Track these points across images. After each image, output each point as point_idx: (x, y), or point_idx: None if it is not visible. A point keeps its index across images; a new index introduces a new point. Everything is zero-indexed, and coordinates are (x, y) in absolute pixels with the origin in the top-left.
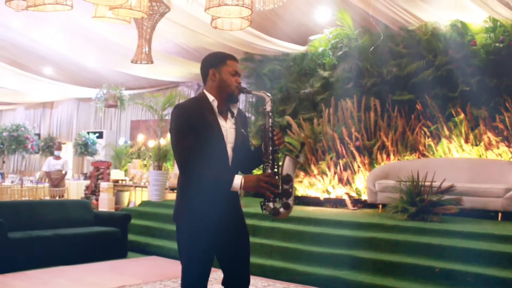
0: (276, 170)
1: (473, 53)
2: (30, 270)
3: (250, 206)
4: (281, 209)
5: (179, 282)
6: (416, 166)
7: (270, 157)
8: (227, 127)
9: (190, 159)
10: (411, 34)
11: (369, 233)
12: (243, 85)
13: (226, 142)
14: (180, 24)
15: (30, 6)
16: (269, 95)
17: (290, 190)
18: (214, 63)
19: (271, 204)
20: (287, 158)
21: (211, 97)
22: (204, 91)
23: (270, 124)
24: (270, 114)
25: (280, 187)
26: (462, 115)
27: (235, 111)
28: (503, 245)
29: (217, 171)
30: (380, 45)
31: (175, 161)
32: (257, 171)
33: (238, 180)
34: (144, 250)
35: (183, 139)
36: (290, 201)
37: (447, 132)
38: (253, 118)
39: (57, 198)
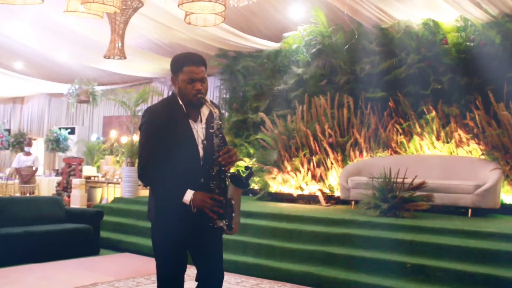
0: (223, 189)
1: (445, 51)
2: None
3: None
4: (226, 230)
5: (152, 278)
6: (388, 163)
7: (217, 177)
8: (198, 128)
9: (147, 162)
10: (384, 32)
11: (342, 229)
12: (216, 82)
13: (198, 143)
14: (154, 20)
15: None
16: (217, 112)
17: (231, 214)
18: (173, 70)
19: (219, 222)
20: (231, 184)
21: (180, 101)
22: (174, 94)
23: (216, 144)
24: (217, 132)
25: (224, 209)
26: (433, 113)
27: (207, 112)
28: (473, 241)
29: (169, 185)
30: (353, 43)
31: None
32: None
33: (188, 196)
34: (117, 247)
35: (147, 141)
36: (233, 223)
37: (419, 129)
38: (227, 114)
39: (27, 194)
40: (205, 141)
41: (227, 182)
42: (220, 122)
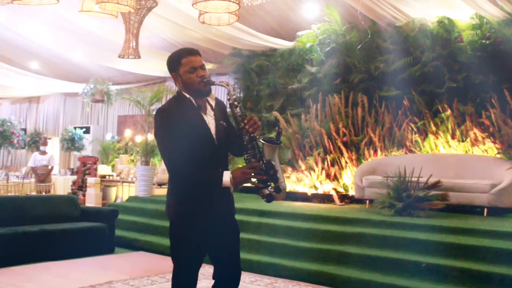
0: (258, 156)
1: (460, 49)
2: (16, 266)
3: (238, 201)
4: (274, 193)
5: (167, 277)
6: (403, 162)
7: (249, 146)
8: (209, 121)
9: (177, 161)
10: (399, 30)
11: (356, 228)
12: (230, 81)
13: (212, 133)
14: (168, 19)
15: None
16: (229, 83)
17: (276, 175)
18: (172, 67)
19: (265, 191)
20: (264, 146)
21: (187, 95)
22: (180, 91)
23: (239, 113)
24: (236, 103)
25: (266, 174)
26: (448, 111)
27: (213, 103)
28: (489, 240)
29: (206, 172)
30: (367, 41)
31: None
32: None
33: (227, 177)
34: (132, 246)
35: (168, 142)
36: (280, 184)
37: (433, 128)
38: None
39: (43, 193)
40: (223, 123)
41: (260, 147)
42: (235, 94)
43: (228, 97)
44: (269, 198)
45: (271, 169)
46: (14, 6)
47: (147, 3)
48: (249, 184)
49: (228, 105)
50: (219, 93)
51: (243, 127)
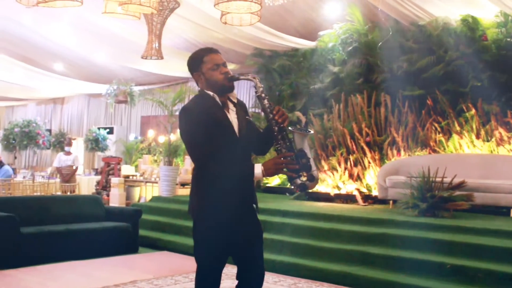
0: (289, 146)
1: (484, 48)
2: (42, 265)
3: (261, 201)
4: (307, 182)
5: (190, 277)
6: (426, 162)
7: (279, 137)
8: (232, 118)
9: (206, 158)
10: (422, 29)
11: (379, 229)
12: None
13: (235, 130)
14: (190, 20)
15: (40, 2)
16: (255, 76)
17: (308, 163)
18: (194, 67)
19: (297, 181)
20: (295, 134)
21: (211, 93)
22: (202, 90)
23: (267, 105)
24: (263, 95)
25: (298, 163)
26: (473, 111)
27: (235, 101)
28: None
29: (237, 166)
30: (390, 40)
31: (185, 157)
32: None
33: (258, 169)
34: (155, 245)
35: (196, 139)
36: (313, 172)
37: (458, 128)
38: (263, 114)
39: (68, 193)
40: (248, 118)
41: (290, 137)
42: (262, 86)
43: (256, 90)
44: (303, 188)
45: (303, 157)
46: (39, 8)
47: (169, 4)
48: (274, 185)
49: (256, 98)
50: (241, 91)
51: (272, 118)
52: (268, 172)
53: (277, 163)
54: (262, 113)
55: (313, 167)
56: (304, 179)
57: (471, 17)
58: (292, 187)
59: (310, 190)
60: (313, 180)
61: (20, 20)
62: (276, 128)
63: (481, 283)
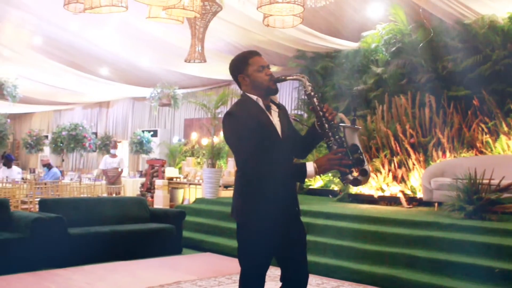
0: (340, 142)
1: None
2: (88, 265)
3: (304, 203)
4: (360, 177)
5: (234, 278)
6: (473, 164)
7: (330, 134)
8: (275, 121)
9: (254, 160)
10: (467, 28)
11: (424, 231)
12: (295, 83)
13: (279, 133)
14: (232, 23)
15: (87, 8)
16: (304, 76)
17: (361, 157)
18: (239, 68)
19: (349, 176)
20: (346, 129)
21: (254, 97)
22: (245, 93)
23: (317, 103)
24: (312, 93)
25: (351, 158)
26: None
27: (277, 103)
28: None
29: (288, 166)
30: (434, 40)
31: (228, 159)
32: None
33: (311, 167)
34: (199, 247)
35: (242, 143)
36: (365, 167)
37: (505, 128)
38: (306, 115)
39: (113, 195)
40: (295, 119)
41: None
42: (310, 85)
43: (305, 89)
44: (356, 182)
45: (355, 152)
46: (86, 14)
47: (212, 8)
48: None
49: (306, 96)
50: (283, 94)
51: (322, 115)
52: (322, 169)
53: (331, 159)
54: (304, 116)
55: (365, 162)
56: (355, 174)
57: None
58: (344, 182)
59: (362, 185)
60: (366, 174)
61: (68, 26)
62: (327, 125)
63: None
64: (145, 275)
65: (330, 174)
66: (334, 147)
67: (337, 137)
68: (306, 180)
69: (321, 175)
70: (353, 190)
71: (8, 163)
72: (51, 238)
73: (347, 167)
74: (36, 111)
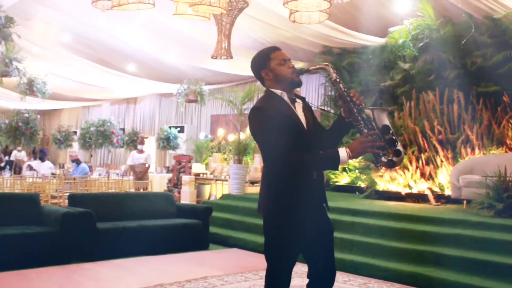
0: (370, 125)
1: None
2: (117, 259)
3: (330, 200)
4: (394, 158)
5: (260, 274)
6: (503, 161)
7: (359, 118)
8: (300, 114)
9: (282, 155)
10: (497, 23)
11: (453, 229)
12: (321, 80)
13: (304, 125)
14: (259, 19)
15: (114, 6)
16: (327, 64)
17: (393, 137)
18: (261, 64)
19: (383, 159)
20: (375, 111)
21: (278, 91)
22: (269, 89)
23: (344, 89)
24: (338, 79)
25: (382, 139)
26: None
27: (300, 95)
28: None
29: (319, 154)
30: (463, 36)
31: (255, 155)
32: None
33: (343, 152)
34: (225, 242)
35: (269, 138)
36: (399, 147)
37: None
38: (332, 111)
39: (141, 190)
40: (323, 108)
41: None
42: (335, 72)
43: (330, 76)
44: (391, 164)
45: (387, 133)
46: (113, 12)
47: (238, 4)
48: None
49: (331, 84)
50: (309, 90)
51: (350, 100)
52: (355, 153)
53: (363, 141)
54: (329, 111)
55: (398, 142)
56: (389, 156)
57: None
58: (378, 165)
59: (396, 167)
60: (400, 155)
61: (96, 24)
62: (355, 109)
63: None
64: (172, 270)
65: (357, 171)
66: (365, 131)
67: (366, 120)
68: (339, 167)
69: (354, 159)
70: (380, 187)
71: (43, 157)
72: (80, 232)
73: (380, 148)
74: (65, 107)
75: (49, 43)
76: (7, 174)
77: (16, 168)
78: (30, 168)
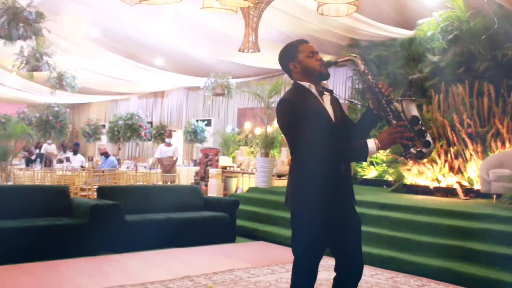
0: (399, 116)
1: None
2: (145, 251)
3: (357, 193)
4: (424, 149)
5: (287, 267)
6: None
7: (388, 109)
8: (328, 106)
9: (309, 147)
10: None
11: (482, 224)
12: (349, 73)
13: (332, 118)
14: (286, 12)
15: (142, 0)
16: (356, 55)
17: (423, 128)
18: (290, 57)
19: (412, 150)
20: (404, 102)
21: (306, 84)
22: (297, 81)
23: (372, 80)
24: (366, 71)
25: (412, 130)
26: None
27: (327, 88)
28: None
29: (347, 146)
30: (494, 27)
31: (281, 149)
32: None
33: (372, 143)
34: (252, 235)
35: (297, 130)
36: (428, 138)
37: None
38: (360, 104)
39: (168, 183)
40: (351, 101)
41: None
42: (363, 63)
43: (358, 68)
44: (420, 155)
45: (416, 124)
46: (141, 6)
47: None
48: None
49: (360, 75)
50: (337, 83)
51: (379, 90)
52: (383, 144)
53: (392, 132)
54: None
55: (427, 133)
56: (418, 148)
57: None
58: (408, 157)
59: (426, 158)
60: (429, 146)
61: (124, 18)
62: (384, 100)
63: None
64: (200, 262)
65: (384, 164)
66: (394, 122)
67: (395, 111)
68: (367, 158)
69: (382, 151)
70: (408, 180)
71: (76, 150)
72: (108, 224)
73: (409, 139)
74: (94, 101)
75: (79, 38)
76: (37, 167)
77: (46, 161)
78: (67, 160)
